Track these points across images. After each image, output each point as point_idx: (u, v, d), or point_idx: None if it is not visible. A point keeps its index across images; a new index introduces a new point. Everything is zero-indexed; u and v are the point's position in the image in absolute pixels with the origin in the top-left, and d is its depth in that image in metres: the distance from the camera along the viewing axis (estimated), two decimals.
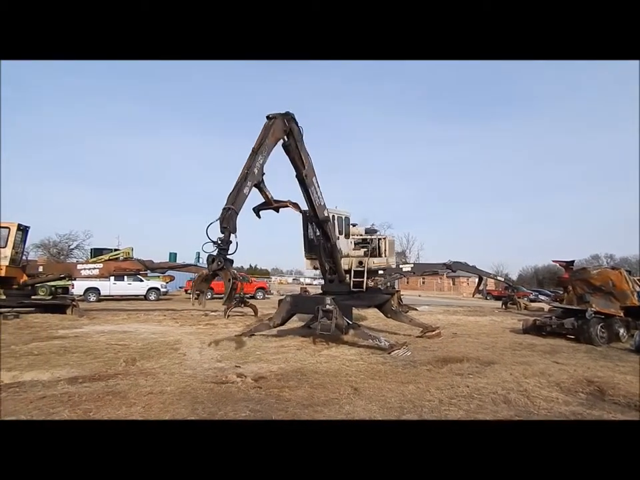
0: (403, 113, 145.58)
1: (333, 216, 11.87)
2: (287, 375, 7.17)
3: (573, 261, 21.97)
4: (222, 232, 7.58)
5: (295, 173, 9.98)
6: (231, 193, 7.96)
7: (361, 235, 13.85)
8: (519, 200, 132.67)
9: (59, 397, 5.53)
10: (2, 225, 15.14)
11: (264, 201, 9.64)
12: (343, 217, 12.62)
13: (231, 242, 7.65)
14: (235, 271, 8.67)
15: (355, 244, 13.36)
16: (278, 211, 10.09)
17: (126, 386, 6.18)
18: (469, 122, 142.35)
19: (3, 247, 14.84)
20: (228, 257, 7.63)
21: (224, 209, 7.70)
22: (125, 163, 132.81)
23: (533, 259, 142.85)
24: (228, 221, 7.61)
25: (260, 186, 8.96)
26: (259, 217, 10.04)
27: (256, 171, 8.44)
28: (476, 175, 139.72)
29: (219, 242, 7.53)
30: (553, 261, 18.58)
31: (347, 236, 12.80)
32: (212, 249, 7.54)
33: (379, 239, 13.72)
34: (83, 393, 5.74)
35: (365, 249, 13.27)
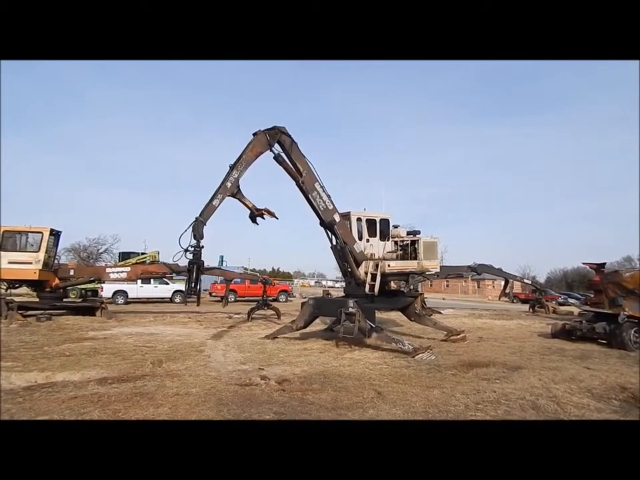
0: (434, 115, 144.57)
1: (359, 218, 11.58)
2: (310, 378, 7.18)
3: (604, 263, 21.17)
4: (194, 238, 8.90)
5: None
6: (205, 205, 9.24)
7: (401, 237, 12.80)
8: (548, 201, 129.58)
9: (89, 397, 5.70)
10: (35, 230, 15.69)
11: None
12: (378, 219, 11.89)
13: (202, 247, 9.02)
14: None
15: (398, 246, 12.70)
16: (264, 217, 10.94)
17: (153, 387, 6.32)
18: (498, 122, 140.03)
19: (37, 251, 15.37)
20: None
21: (195, 219, 8.95)
22: (157, 167, 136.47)
23: (562, 261, 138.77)
24: (196, 229, 8.87)
25: (237, 197, 10.10)
26: (257, 223, 10.91)
27: (229, 185, 9.54)
28: (504, 176, 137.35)
29: (192, 248, 8.91)
30: (583, 264, 17.96)
31: (386, 238, 12.03)
32: (181, 256, 8.99)
33: (412, 241, 12.59)
34: (112, 393, 5.90)
35: (402, 252, 12.55)
